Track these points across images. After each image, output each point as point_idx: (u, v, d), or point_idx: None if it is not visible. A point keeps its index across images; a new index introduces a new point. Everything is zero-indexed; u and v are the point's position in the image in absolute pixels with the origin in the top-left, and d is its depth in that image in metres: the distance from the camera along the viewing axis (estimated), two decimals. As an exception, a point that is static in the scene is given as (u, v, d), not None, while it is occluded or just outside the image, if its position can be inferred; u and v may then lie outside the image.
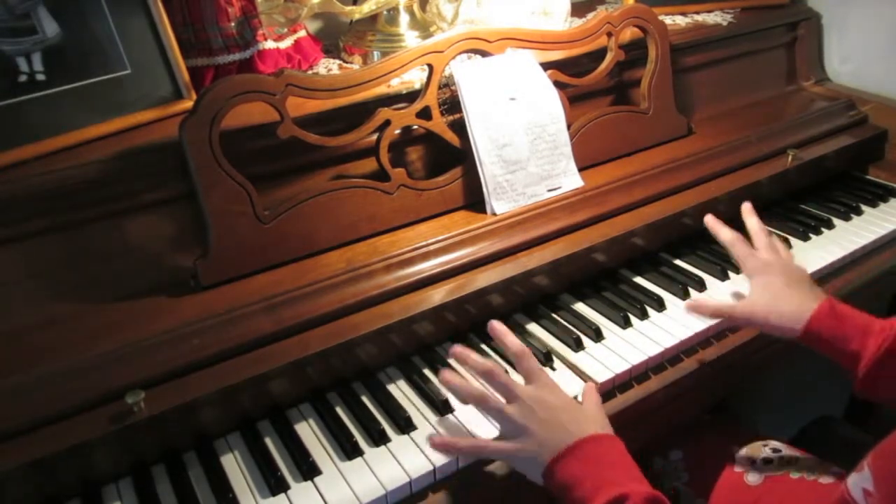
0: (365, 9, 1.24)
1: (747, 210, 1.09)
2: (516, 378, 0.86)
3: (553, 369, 0.97)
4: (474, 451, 0.84)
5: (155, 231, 0.95)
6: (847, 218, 1.32)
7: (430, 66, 1.07)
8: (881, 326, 0.90)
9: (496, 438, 0.84)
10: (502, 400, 0.83)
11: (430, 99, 1.07)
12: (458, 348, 0.85)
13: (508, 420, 0.81)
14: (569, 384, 0.94)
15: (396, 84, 1.10)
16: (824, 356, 0.94)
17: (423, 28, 1.31)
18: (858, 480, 0.69)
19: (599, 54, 1.24)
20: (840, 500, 0.71)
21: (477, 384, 0.87)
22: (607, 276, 1.16)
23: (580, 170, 1.18)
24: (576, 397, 0.92)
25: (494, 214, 1.09)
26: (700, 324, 1.04)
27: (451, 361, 0.94)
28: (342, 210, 1.02)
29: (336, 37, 1.36)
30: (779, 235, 1.25)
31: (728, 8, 1.56)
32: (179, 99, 1.05)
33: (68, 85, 0.96)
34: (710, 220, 1.09)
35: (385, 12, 1.28)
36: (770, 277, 0.99)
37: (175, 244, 0.96)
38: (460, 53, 1.10)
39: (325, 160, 1.05)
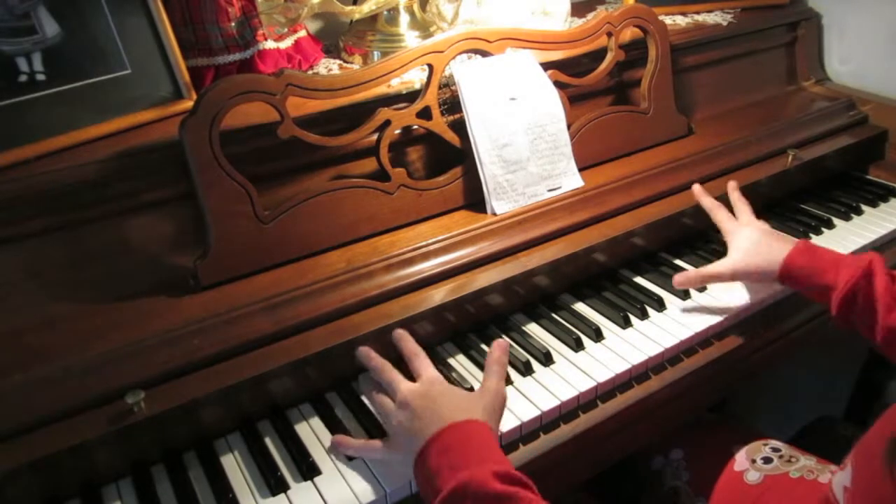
0: (365, 9, 1.24)
1: (731, 187, 1.18)
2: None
3: (553, 370, 0.97)
4: (361, 452, 0.84)
5: (155, 231, 0.95)
6: (847, 218, 1.33)
7: (431, 66, 1.07)
8: (853, 259, 0.95)
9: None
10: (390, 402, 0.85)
11: (431, 99, 1.07)
12: (363, 349, 0.90)
13: (385, 416, 0.84)
14: (568, 384, 0.94)
15: (396, 84, 1.10)
16: (805, 294, 1.01)
17: (424, 28, 1.31)
18: (841, 479, 0.70)
19: (599, 54, 1.24)
20: (823, 499, 0.71)
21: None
22: (607, 276, 1.16)
23: (580, 170, 1.18)
24: (578, 398, 0.92)
25: (494, 214, 1.09)
26: (700, 324, 1.04)
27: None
28: (342, 210, 1.02)
29: (336, 37, 1.36)
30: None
31: (728, 8, 1.56)
32: (179, 99, 1.05)
33: (68, 85, 0.96)
34: (697, 189, 1.17)
35: (385, 12, 1.28)
36: (746, 231, 1.07)
37: (175, 244, 0.96)
38: (460, 53, 1.10)
39: (326, 160, 1.05)
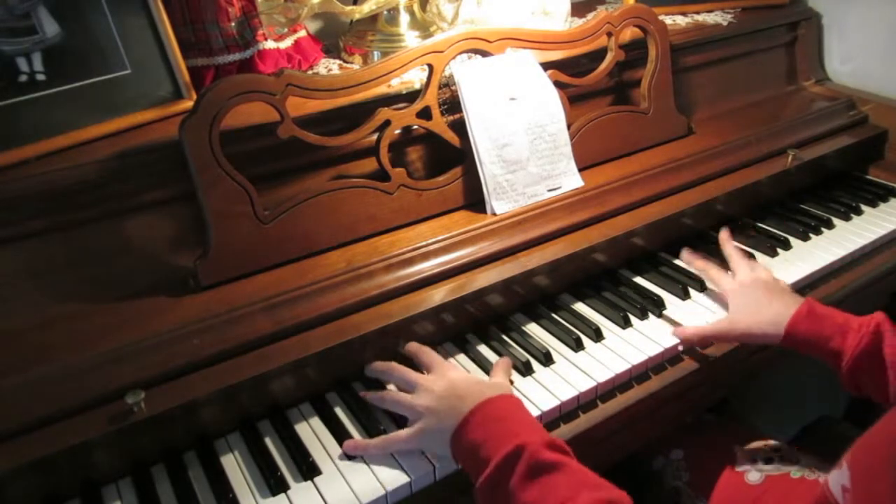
0: (365, 9, 1.24)
1: (724, 238, 1.16)
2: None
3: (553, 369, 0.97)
4: (385, 446, 0.85)
5: (155, 231, 0.95)
6: (847, 218, 1.32)
7: (430, 66, 1.07)
8: (859, 324, 0.92)
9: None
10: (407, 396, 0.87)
11: (431, 99, 1.07)
12: (369, 366, 0.93)
13: (410, 407, 0.85)
14: (568, 384, 0.94)
15: (396, 84, 1.10)
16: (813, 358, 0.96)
17: (424, 28, 1.31)
18: (837, 478, 0.69)
19: (599, 54, 1.24)
20: (820, 497, 0.71)
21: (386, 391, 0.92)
22: (607, 276, 1.16)
23: (580, 170, 1.18)
24: (578, 397, 0.92)
25: (494, 214, 1.09)
26: (700, 323, 1.04)
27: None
28: (342, 210, 1.02)
29: (336, 37, 1.35)
30: (777, 237, 1.25)
31: (728, 8, 1.56)
32: (179, 99, 1.05)
33: (68, 85, 0.96)
34: (685, 254, 1.15)
35: (385, 12, 1.28)
36: (748, 290, 1.03)
37: (175, 244, 0.96)
38: (460, 53, 1.10)
39: (325, 160, 1.05)
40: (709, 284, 1.12)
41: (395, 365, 0.92)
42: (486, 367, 0.97)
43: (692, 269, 1.14)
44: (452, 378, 0.86)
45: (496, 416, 0.79)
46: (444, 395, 0.83)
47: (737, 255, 1.11)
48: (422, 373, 0.91)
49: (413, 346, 0.95)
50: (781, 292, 1.02)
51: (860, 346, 0.89)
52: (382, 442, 0.84)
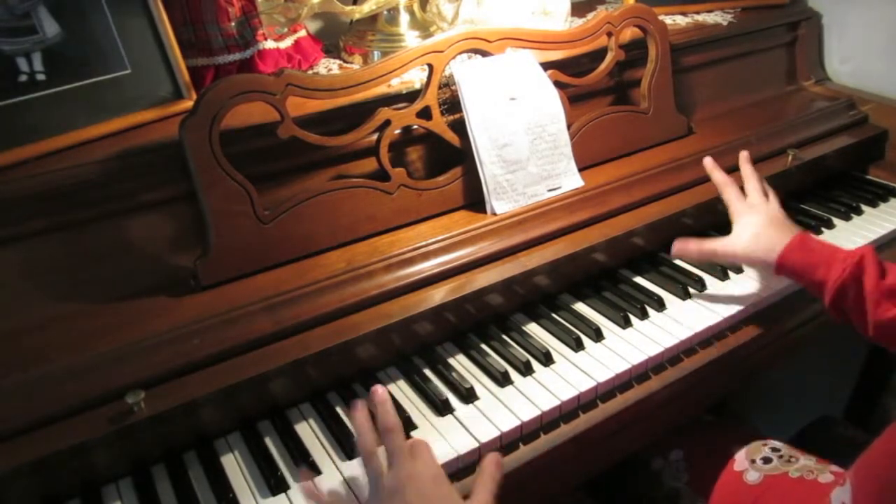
0: (365, 9, 1.24)
1: (744, 158, 1.17)
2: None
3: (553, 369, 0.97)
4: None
5: (155, 231, 0.95)
6: (847, 218, 1.33)
7: (430, 66, 1.07)
8: (844, 255, 0.95)
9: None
10: (383, 463, 0.74)
11: (431, 99, 1.07)
12: (382, 393, 0.78)
13: (379, 488, 0.72)
14: (568, 384, 0.94)
15: (396, 84, 1.10)
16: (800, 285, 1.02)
17: (424, 28, 1.31)
18: (840, 494, 0.69)
19: (599, 54, 1.24)
20: None
21: (372, 438, 0.76)
22: (607, 276, 1.16)
23: (580, 170, 1.18)
24: (578, 397, 0.92)
25: (494, 214, 1.09)
26: (700, 324, 1.04)
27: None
28: (342, 210, 1.02)
29: (336, 37, 1.36)
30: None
31: (728, 8, 1.56)
32: (179, 99, 1.05)
33: (68, 85, 0.96)
34: (708, 162, 1.16)
35: (385, 12, 1.28)
36: (752, 217, 1.06)
37: (175, 244, 0.96)
38: (460, 53, 1.10)
39: (325, 160, 1.05)
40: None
41: (397, 431, 0.76)
42: (485, 367, 0.97)
43: (712, 177, 1.14)
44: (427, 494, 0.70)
45: None
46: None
47: (754, 179, 1.13)
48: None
49: (389, 422, 0.76)
50: (782, 224, 1.05)
51: (842, 276, 0.93)
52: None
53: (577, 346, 1.00)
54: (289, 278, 0.95)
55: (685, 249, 1.08)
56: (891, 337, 0.90)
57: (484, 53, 1.13)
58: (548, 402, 0.91)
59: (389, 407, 0.78)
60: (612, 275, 1.16)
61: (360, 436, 0.76)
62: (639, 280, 1.16)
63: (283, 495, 0.80)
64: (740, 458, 1.04)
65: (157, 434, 0.82)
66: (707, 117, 1.43)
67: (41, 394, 0.78)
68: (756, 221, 1.06)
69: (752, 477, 1.01)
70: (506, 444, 0.88)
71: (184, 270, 0.94)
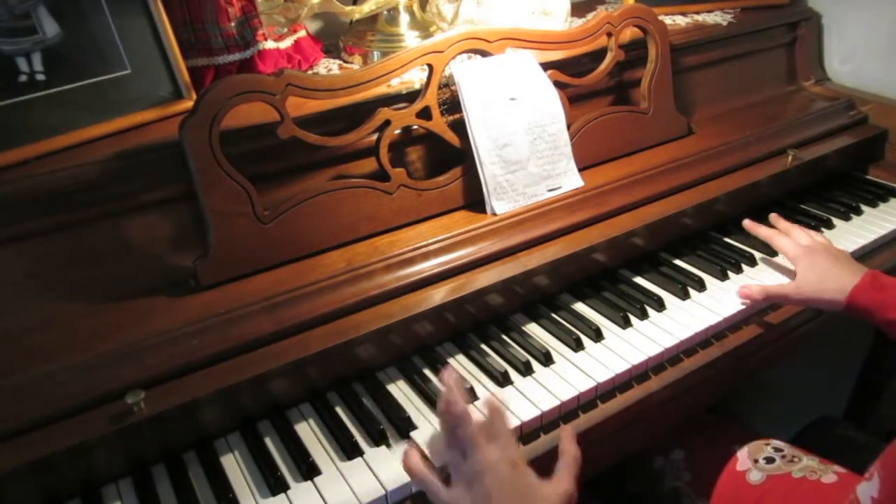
0: (365, 9, 1.24)
1: (774, 218, 1.19)
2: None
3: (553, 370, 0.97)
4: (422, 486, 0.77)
5: (155, 231, 0.95)
6: (847, 218, 1.33)
7: (430, 66, 1.07)
8: None
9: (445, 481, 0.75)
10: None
11: (430, 99, 1.07)
12: (452, 378, 0.76)
13: (461, 474, 0.73)
14: (568, 384, 0.94)
15: (396, 84, 1.10)
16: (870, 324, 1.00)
17: (423, 28, 1.31)
18: (867, 489, 0.69)
19: (599, 54, 1.24)
20: None
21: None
22: (607, 276, 1.16)
23: (580, 170, 1.18)
24: (578, 397, 0.92)
25: (494, 214, 1.09)
26: (700, 324, 1.04)
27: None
28: (342, 210, 1.02)
29: (336, 37, 1.36)
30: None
31: (728, 8, 1.56)
32: (179, 99, 1.05)
33: (68, 85, 0.96)
34: (748, 224, 1.19)
35: (385, 12, 1.28)
36: (814, 258, 1.06)
37: (175, 244, 0.96)
38: (460, 53, 1.10)
39: (325, 160, 1.05)
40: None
41: (468, 421, 0.74)
42: (485, 367, 0.97)
43: (757, 234, 1.17)
44: (514, 483, 0.71)
45: None
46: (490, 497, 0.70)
47: (795, 228, 1.14)
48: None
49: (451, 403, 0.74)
50: (846, 260, 1.06)
51: None
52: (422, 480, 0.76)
53: (577, 346, 1.00)
54: (289, 278, 0.95)
55: (750, 293, 1.07)
56: None
57: (484, 53, 1.13)
58: (548, 402, 0.91)
59: (458, 395, 0.75)
60: (612, 275, 1.16)
61: (461, 427, 0.73)
62: (639, 280, 1.16)
63: (283, 495, 0.80)
64: (743, 458, 1.04)
65: (156, 434, 0.82)
66: (707, 117, 1.43)
67: (41, 394, 0.78)
68: (818, 262, 1.05)
69: (755, 477, 1.01)
70: (506, 443, 0.88)
71: (184, 270, 0.94)
